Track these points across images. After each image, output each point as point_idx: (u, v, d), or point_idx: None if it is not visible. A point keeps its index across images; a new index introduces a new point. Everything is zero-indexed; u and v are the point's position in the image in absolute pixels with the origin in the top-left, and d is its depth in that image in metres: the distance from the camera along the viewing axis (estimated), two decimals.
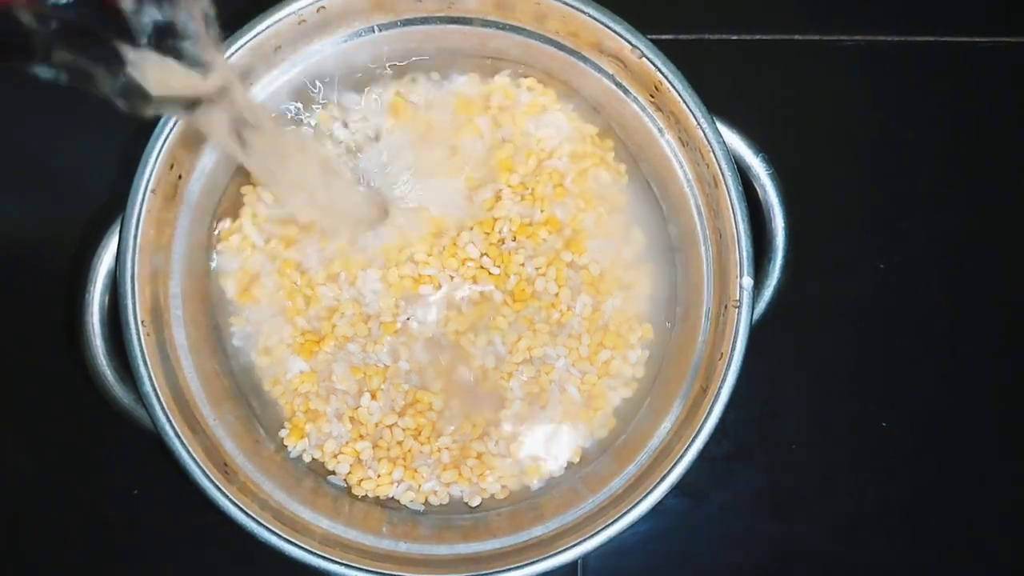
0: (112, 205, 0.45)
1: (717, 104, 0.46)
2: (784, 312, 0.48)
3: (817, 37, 0.61)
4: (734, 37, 0.61)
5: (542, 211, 0.51)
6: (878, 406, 0.58)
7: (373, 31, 0.50)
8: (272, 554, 0.43)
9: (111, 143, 0.55)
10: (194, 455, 0.43)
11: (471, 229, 0.50)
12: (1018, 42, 0.62)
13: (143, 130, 0.45)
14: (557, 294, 0.50)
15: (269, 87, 0.50)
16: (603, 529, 0.43)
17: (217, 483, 0.42)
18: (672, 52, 0.46)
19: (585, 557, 0.56)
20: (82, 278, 0.45)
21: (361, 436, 0.50)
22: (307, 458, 0.50)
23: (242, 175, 0.51)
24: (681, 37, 0.61)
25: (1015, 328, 0.59)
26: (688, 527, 0.57)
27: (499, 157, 0.51)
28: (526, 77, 0.52)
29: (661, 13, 0.60)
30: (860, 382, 0.58)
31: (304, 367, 0.50)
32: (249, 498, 0.44)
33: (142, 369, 0.43)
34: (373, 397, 0.50)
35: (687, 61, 0.46)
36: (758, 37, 0.61)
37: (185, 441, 0.43)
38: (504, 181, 0.51)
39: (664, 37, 0.59)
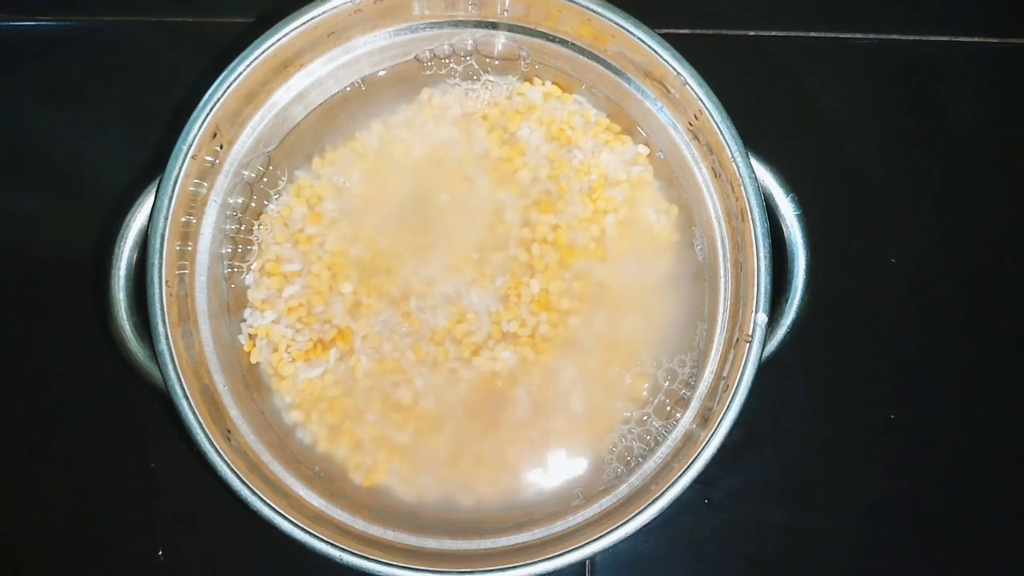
0: (151, 169, 0.46)
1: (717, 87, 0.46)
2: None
3: (833, 35, 0.62)
4: (741, 32, 0.62)
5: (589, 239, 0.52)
6: (887, 398, 0.58)
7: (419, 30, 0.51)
8: (268, 532, 0.43)
9: (133, 138, 0.58)
10: (198, 414, 0.44)
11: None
12: None
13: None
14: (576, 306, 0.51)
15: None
16: (576, 549, 0.44)
17: (216, 445, 0.43)
18: (681, 45, 0.46)
19: None
20: (113, 234, 0.47)
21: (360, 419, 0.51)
22: (308, 439, 0.51)
23: (283, 151, 0.52)
24: (698, 32, 0.62)
25: None
26: (697, 514, 0.57)
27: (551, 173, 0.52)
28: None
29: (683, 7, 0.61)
30: (870, 374, 0.59)
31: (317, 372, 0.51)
32: (246, 465, 0.45)
33: (160, 327, 0.44)
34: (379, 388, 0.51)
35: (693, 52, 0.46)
36: (765, 33, 0.62)
37: (191, 401, 0.44)
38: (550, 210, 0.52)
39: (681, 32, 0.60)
